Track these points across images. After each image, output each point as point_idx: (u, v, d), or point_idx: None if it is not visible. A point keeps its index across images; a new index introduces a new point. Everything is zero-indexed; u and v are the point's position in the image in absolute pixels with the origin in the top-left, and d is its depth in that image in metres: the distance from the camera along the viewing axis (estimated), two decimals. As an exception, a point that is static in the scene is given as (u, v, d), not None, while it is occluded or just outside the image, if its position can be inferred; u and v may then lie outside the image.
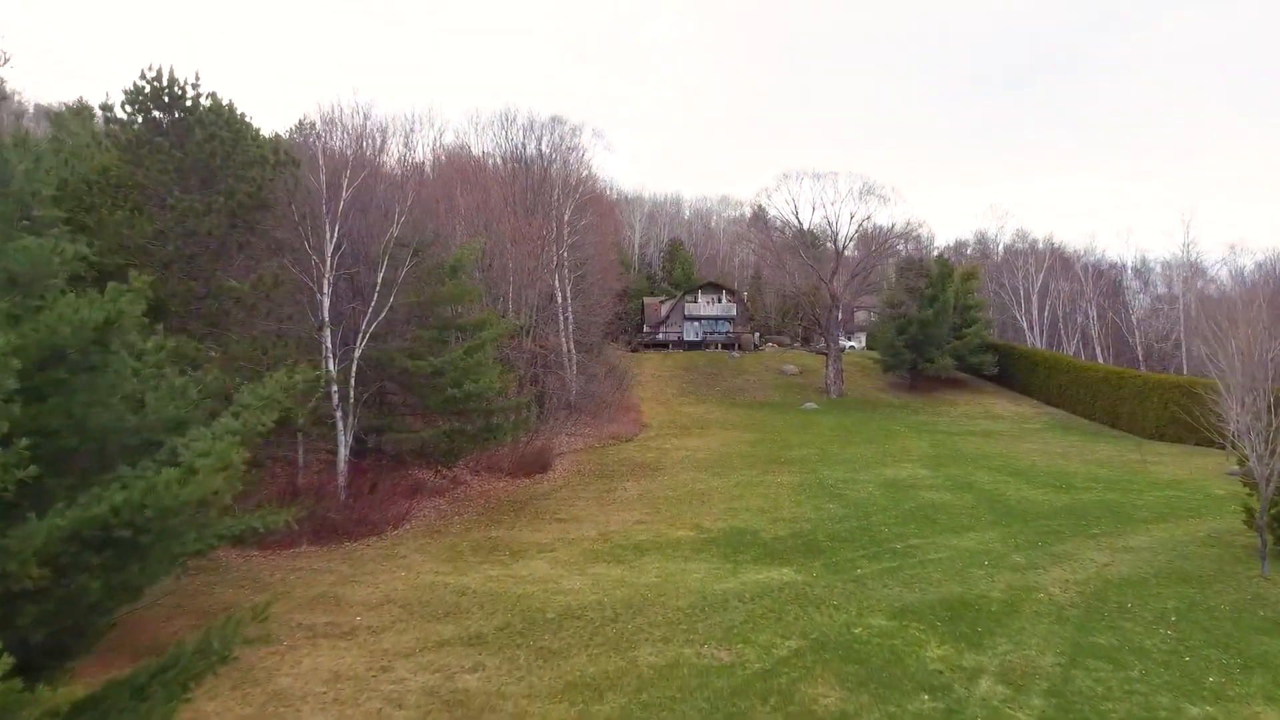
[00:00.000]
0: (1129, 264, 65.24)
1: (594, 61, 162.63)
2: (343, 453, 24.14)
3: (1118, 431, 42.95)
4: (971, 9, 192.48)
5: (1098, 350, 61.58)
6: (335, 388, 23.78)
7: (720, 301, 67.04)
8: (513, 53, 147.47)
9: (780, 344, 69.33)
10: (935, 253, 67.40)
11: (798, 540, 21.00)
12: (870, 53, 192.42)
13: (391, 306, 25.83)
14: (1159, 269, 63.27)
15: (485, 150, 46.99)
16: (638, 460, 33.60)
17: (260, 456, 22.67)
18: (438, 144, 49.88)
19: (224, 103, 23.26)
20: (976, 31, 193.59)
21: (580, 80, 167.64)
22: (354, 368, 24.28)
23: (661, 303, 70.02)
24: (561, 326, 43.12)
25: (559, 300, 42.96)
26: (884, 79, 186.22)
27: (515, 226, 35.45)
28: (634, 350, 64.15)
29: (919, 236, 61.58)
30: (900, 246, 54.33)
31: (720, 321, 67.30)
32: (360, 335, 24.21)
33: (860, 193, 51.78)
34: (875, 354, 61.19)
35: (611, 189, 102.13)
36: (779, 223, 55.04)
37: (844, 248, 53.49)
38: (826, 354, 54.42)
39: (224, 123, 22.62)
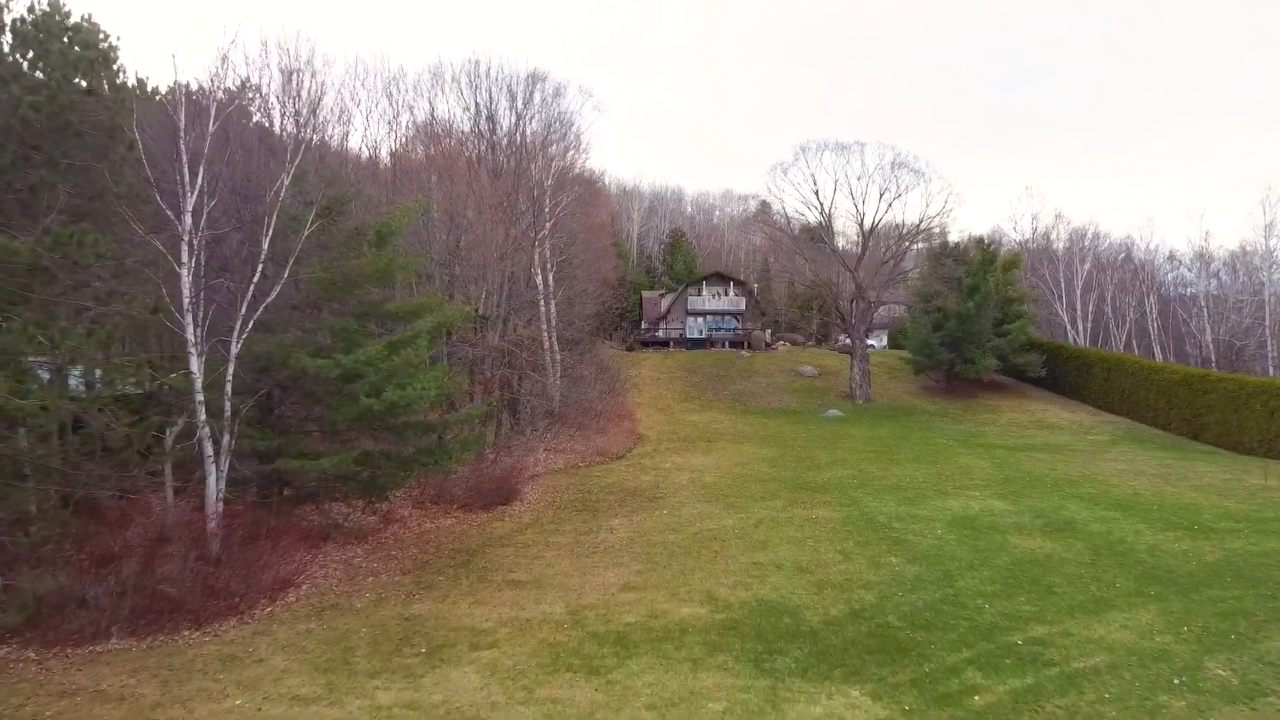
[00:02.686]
0: (1189, 252, 58.05)
1: (596, 63, 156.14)
2: (213, 487, 17.22)
3: (1205, 445, 36.00)
4: (961, 13, 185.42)
5: (1156, 349, 54.62)
6: (200, 396, 16.86)
7: (727, 294, 60.11)
8: (513, 53, 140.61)
9: (794, 342, 62.43)
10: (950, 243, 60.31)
11: (861, 626, 14.06)
12: (868, 54, 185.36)
13: (296, 284, 19.05)
14: (1221, 257, 56.18)
15: (450, 108, 40.16)
16: (630, 485, 26.66)
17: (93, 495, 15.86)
18: (392, 93, 42.85)
19: (71, 13, 16.44)
20: (970, 35, 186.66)
21: (581, 80, 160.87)
22: (231, 369, 17.39)
23: (661, 297, 63.07)
24: (543, 319, 36.20)
25: (540, 287, 36.03)
26: (884, 82, 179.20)
27: (480, 189, 28.50)
28: (629, 349, 57.24)
29: (932, 231, 53.98)
30: (934, 229, 47.25)
31: (727, 317, 60.40)
32: (239, 323, 17.30)
33: (891, 166, 44.89)
34: (901, 353, 54.36)
35: (606, 175, 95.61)
36: (796, 201, 48.07)
37: (872, 230, 46.59)
38: (851, 353, 47.47)
39: (49, 29, 15.75)
